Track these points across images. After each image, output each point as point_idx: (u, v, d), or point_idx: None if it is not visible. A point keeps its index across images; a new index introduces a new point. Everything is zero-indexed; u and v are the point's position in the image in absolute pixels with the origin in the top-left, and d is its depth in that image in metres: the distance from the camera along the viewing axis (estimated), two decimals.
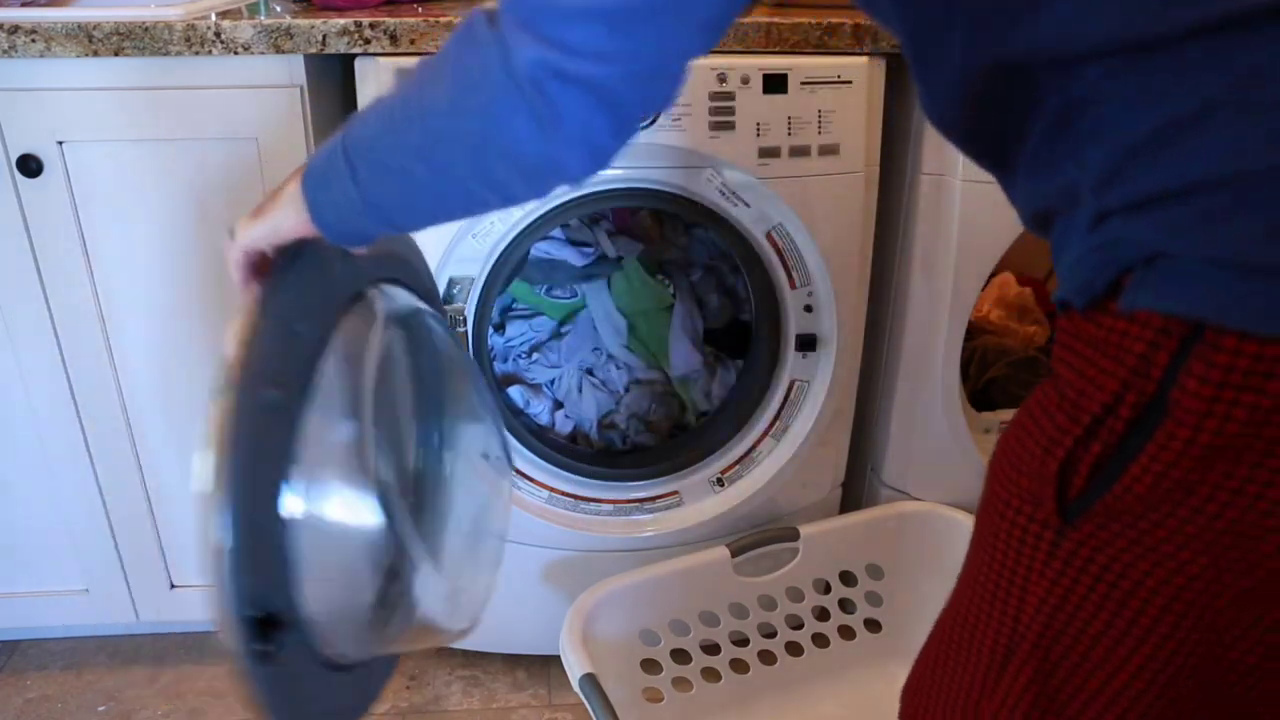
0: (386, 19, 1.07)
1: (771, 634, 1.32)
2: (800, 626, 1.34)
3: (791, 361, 1.26)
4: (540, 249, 1.34)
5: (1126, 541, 0.53)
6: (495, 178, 0.57)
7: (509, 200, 0.60)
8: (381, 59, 1.08)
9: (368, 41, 1.07)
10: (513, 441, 1.27)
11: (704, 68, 1.09)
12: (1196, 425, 0.48)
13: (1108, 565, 0.54)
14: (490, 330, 1.26)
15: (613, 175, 1.12)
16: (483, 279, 1.15)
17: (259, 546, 0.61)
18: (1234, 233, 0.46)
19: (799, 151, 1.14)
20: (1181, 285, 0.48)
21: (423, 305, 0.83)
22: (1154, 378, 0.49)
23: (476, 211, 0.62)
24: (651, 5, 0.51)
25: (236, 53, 1.06)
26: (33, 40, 1.03)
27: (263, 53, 1.06)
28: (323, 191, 0.63)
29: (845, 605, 1.36)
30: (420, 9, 1.18)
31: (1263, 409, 0.47)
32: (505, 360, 1.38)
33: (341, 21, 1.06)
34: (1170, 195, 0.48)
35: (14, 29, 1.03)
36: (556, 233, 1.35)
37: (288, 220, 0.66)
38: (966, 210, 1.18)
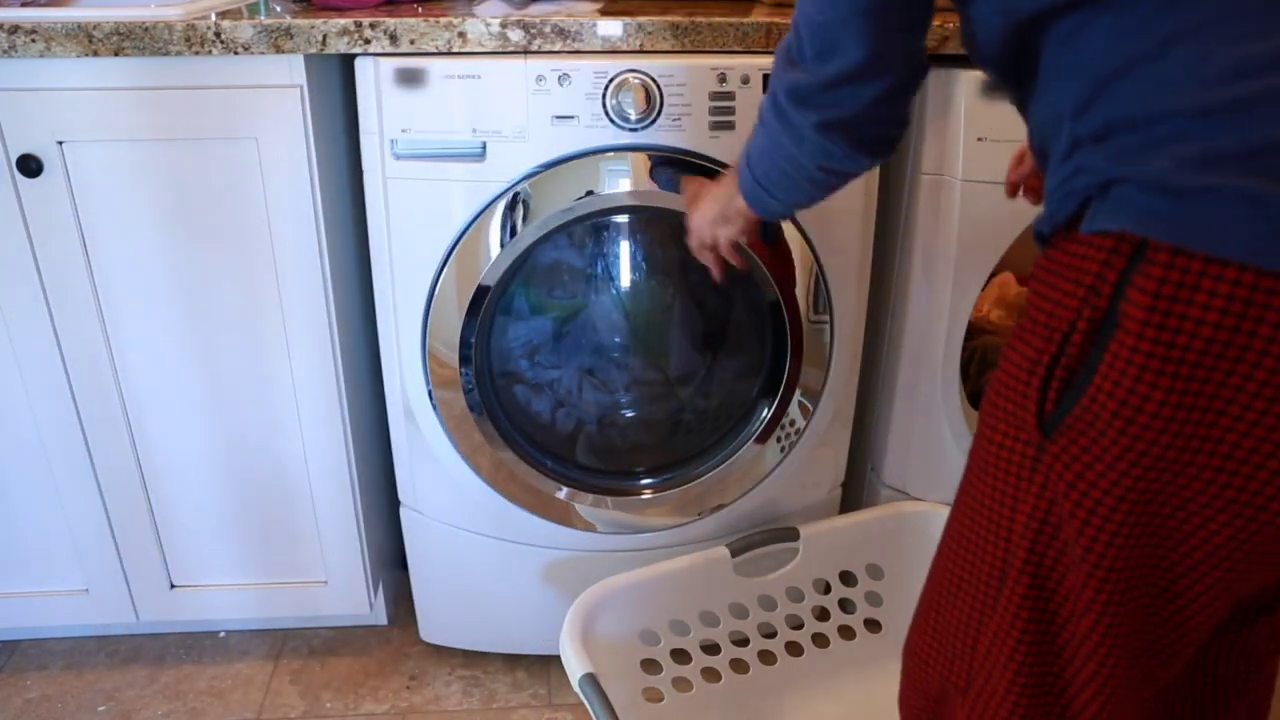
0: (386, 19, 1.07)
1: (771, 634, 1.32)
2: (800, 626, 1.34)
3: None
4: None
5: (1091, 457, 0.57)
6: None
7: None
8: (381, 59, 1.08)
9: (368, 41, 1.07)
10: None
11: (704, 68, 1.09)
12: (1139, 334, 0.53)
13: (1076, 479, 0.58)
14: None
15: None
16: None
17: None
18: (1171, 159, 0.51)
19: None
20: (1127, 207, 0.53)
21: None
22: (1105, 294, 0.54)
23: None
24: None
25: (236, 53, 1.06)
26: (33, 40, 1.03)
27: (263, 53, 1.06)
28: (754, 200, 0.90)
29: (845, 605, 1.36)
30: (420, 9, 1.18)
31: (1192, 321, 0.51)
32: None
33: (341, 21, 1.06)
34: (1124, 125, 0.53)
35: (14, 29, 1.03)
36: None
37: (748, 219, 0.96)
38: (966, 210, 1.18)
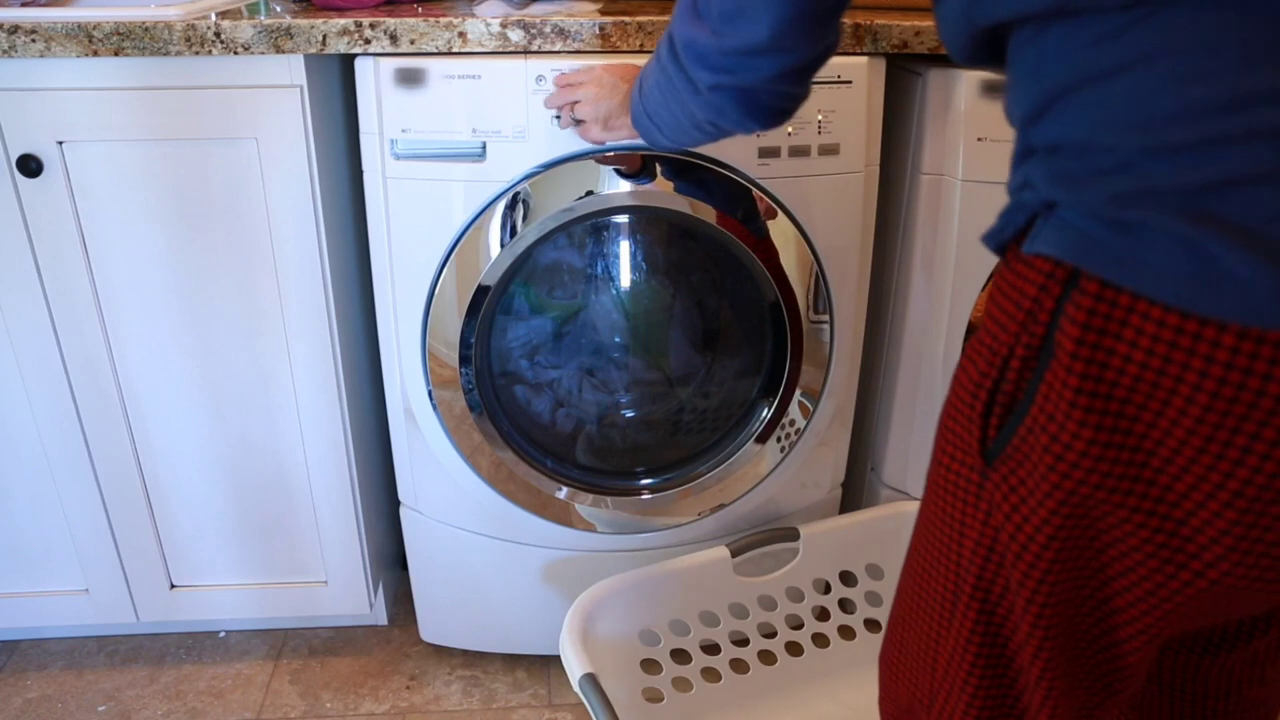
0: (386, 19, 1.07)
1: (771, 634, 1.32)
2: (800, 626, 1.34)
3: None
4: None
5: (1026, 490, 0.55)
6: None
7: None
8: (381, 59, 1.08)
9: (368, 41, 1.07)
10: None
11: None
12: (1069, 366, 0.51)
13: (1012, 510, 0.57)
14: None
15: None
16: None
17: None
18: (1108, 190, 0.49)
19: (799, 151, 1.14)
20: (1064, 232, 0.51)
21: None
22: (1041, 320, 0.53)
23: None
24: None
25: (236, 53, 1.06)
26: (33, 40, 1.03)
27: (263, 53, 1.06)
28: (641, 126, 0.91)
29: (845, 605, 1.36)
30: (420, 9, 1.18)
31: (1119, 356, 0.49)
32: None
33: (341, 21, 1.06)
34: (1068, 146, 0.52)
35: (14, 29, 1.03)
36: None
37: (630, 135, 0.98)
38: (966, 210, 1.18)
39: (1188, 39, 0.46)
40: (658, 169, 1.13)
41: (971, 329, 1.27)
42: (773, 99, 0.74)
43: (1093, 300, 0.50)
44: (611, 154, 1.11)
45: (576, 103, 1.04)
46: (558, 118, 1.08)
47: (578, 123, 1.05)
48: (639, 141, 0.96)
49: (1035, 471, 0.54)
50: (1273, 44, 0.44)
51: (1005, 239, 0.57)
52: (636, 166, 1.12)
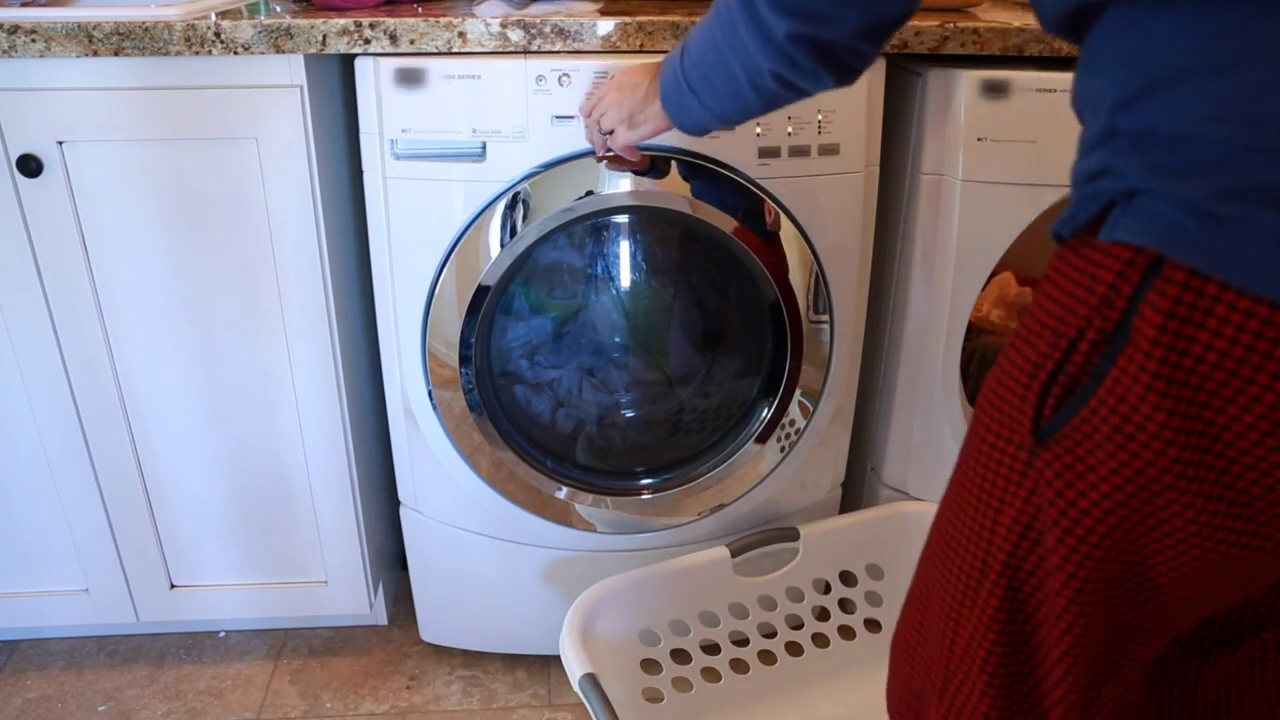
0: (386, 19, 1.07)
1: (771, 634, 1.32)
2: (800, 626, 1.34)
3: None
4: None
5: (1084, 467, 0.56)
6: None
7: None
8: (381, 59, 1.08)
9: (368, 41, 1.07)
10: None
11: None
12: (1148, 352, 0.52)
13: (1065, 488, 0.57)
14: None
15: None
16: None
17: None
18: (1206, 185, 0.50)
19: (799, 151, 1.14)
20: (1150, 220, 0.52)
21: None
22: (1119, 306, 0.54)
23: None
24: None
25: (236, 53, 1.06)
26: (33, 40, 1.03)
27: (263, 53, 1.06)
28: (676, 104, 0.87)
29: (845, 605, 1.36)
30: (420, 9, 1.18)
31: (1200, 345, 0.50)
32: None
33: (341, 21, 1.06)
34: (1165, 137, 0.52)
35: (14, 29, 1.03)
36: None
37: (659, 125, 0.93)
38: (966, 210, 1.18)
39: None
40: (673, 165, 1.13)
41: (972, 329, 1.27)
42: (849, 56, 0.72)
43: (1179, 289, 0.51)
44: (613, 155, 1.11)
45: (603, 117, 1.00)
46: (598, 159, 1.08)
47: (608, 134, 1.00)
48: (664, 141, 0.96)
49: (1098, 451, 0.55)
50: None
51: (1079, 225, 0.57)
52: (646, 164, 1.11)
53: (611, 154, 1.05)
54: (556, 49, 1.09)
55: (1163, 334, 0.51)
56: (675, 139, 1.11)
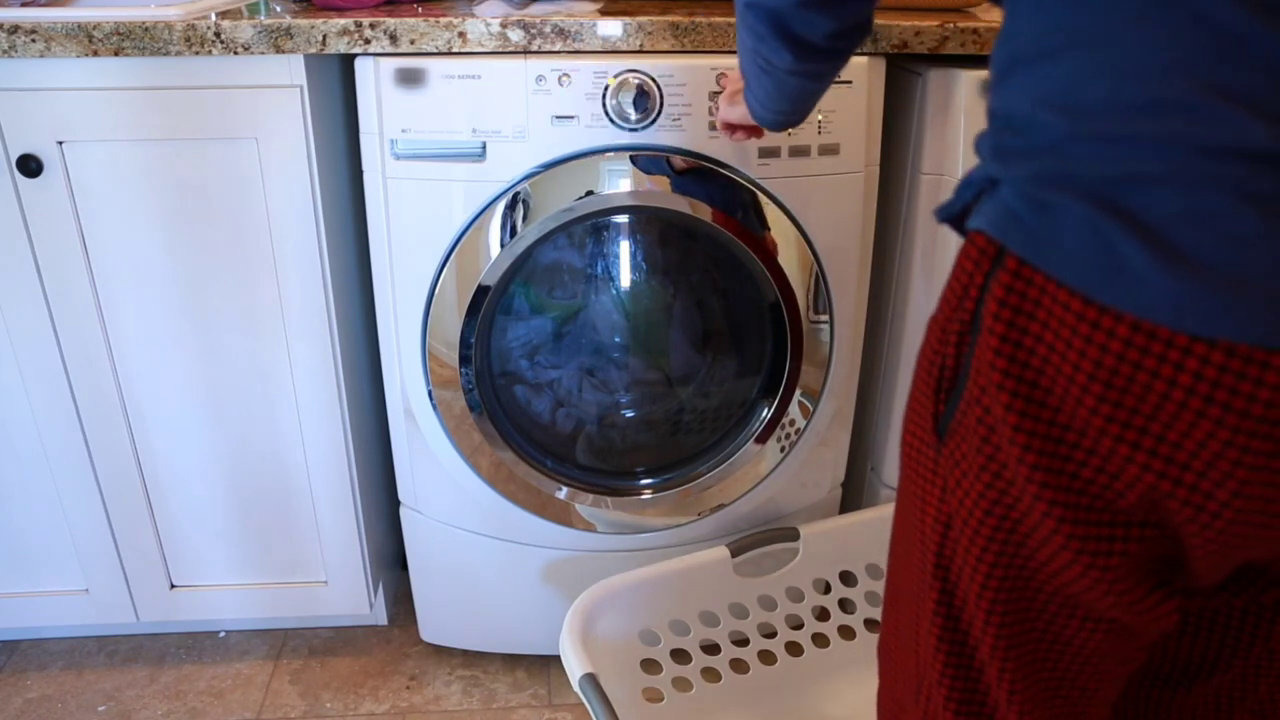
0: (386, 19, 1.07)
1: (771, 634, 1.32)
2: (800, 626, 1.34)
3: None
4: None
5: (967, 465, 0.56)
6: None
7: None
8: (381, 59, 1.08)
9: (368, 41, 1.07)
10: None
11: (704, 68, 1.09)
12: (986, 341, 0.52)
13: (958, 482, 0.57)
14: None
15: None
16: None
17: None
18: (1037, 169, 0.50)
19: (799, 151, 1.14)
20: (996, 209, 0.52)
21: None
22: (972, 295, 0.54)
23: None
24: None
25: (236, 53, 1.06)
26: (33, 40, 1.03)
27: (263, 53, 1.06)
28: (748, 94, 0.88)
29: (845, 605, 1.36)
30: (420, 9, 1.18)
31: (1032, 336, 0.50)
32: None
33: (341, 21, 1.06)
34: (1016, 118, 0.52)
35: (14, 29, 1.03)
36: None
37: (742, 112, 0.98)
38: None
39: (1136, 35, 0.46)
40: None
41: None
42: (803, 28, 0.71)
43: (1011, 277, 0.51)
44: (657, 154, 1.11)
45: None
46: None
47: (731, 128, 1.05)
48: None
49: (971, 445, 0.55)
50: (1211, 56, 0.45)
51: (952, 213, 0.58)
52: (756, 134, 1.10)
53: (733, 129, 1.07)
54: (556, 49, 1.09)
55: (997, 322, 0.51)
56: (676, 138, 1.11)
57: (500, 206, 1.12)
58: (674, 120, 1.10)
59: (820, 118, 1.13)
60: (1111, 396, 0.48)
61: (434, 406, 1.23)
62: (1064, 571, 0.54)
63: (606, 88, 1.09)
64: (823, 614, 1.36)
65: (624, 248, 1.36)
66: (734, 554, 1.26)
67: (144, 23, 1.04)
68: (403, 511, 1.34)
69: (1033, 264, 0.49)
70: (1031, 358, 0.50)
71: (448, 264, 1.15)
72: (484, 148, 1.11)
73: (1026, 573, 0.56)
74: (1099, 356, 0.48)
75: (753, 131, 1.04)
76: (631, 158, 1.11)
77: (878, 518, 1.33)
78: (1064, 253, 0.48)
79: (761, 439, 1.30)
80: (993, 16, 1.21)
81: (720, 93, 1.10)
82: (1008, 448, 0.52)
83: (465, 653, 1.47)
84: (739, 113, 0.99)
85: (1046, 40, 0.50)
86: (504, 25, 1.08)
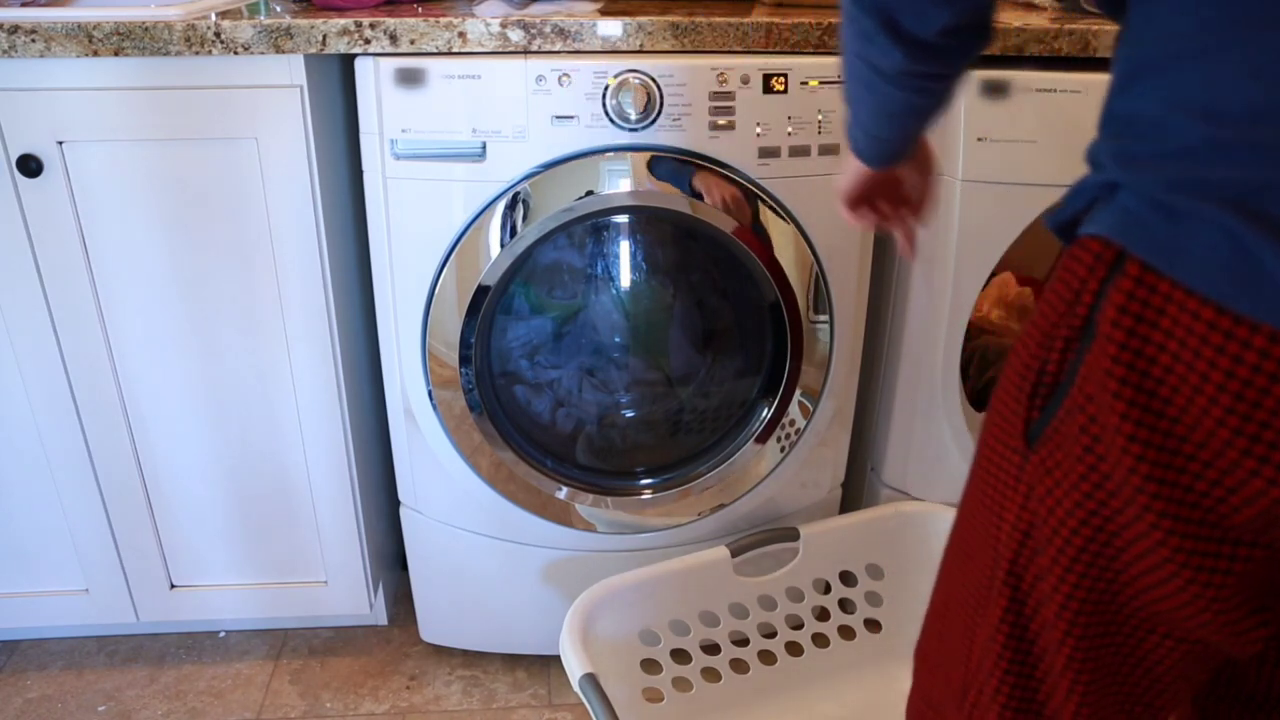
0: (386, 19, 1.07)
1: (771, 634, 1.32)
2: (800, 626, 1.34)
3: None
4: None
5: (1061, 473, 0.55)
6: None
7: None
8: (381, 59, 1.08)
9: (368, 41, 1.07)
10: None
11: (704, 68, 1.09)
12: (1106, 352, 0.50)
13: (1046, 494, 0.56)
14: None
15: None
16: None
17: None
18: (1167, 175, 0.49)
19: (799, 151, 1.14)
20: (1116, 213, 0.51)
21: None
22: (1085, 301, 0.52)
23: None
24: None
25: (236, 53, 1.06)
26: (33, 40, 1.03)
27: (263, 53, 1.06)
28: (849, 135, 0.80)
29: (845, 605, 1.36)
30: (420, 9, 1.18)
31: (1154, 345, 0.49)
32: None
33: (341, 21, 1.06)
34: (1139, 124, 0.50)
35: (14, 29, 1.03)
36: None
37: (849, 164, 0.84)
38: (966, 210, 1.18)
39: (1272, 38, 0.45)
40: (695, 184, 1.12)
41: (972, 329, 1.27)
42: (914, 22, 0.63)
43: (1133, 283, 0.49)
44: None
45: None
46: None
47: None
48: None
49: (1070, 455, 0.54)
50: None
51: (1063, 220, 0.56)
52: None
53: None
54: (556, 49, 1.09)
55: (1116, 330, 0.50)
56: (676, 138, 1.11)
57: (500, 206, 1.12)
58: (674, 120, 1.10)
59: (820, 117, 1.13)
60: (1241, 409, 0.47)
61: (434, 406, 1.23)
62: (1160, 587, 0.53)
63: (606, 88, 1.09)
64: (823, 614, 1.36)
65: (624, 248, 1.36)
66: (734, 554, 1.26)
67: (144, 23, 1.04)
68: (403, 511, 1.34)
69: (1158, 271, 0.48)
70: (1152, 367, 0.49)
71: (448, 264, 1.15)
72: (484, 148, 1.11)
73: (1115, 587, 0.55)
74: (1231, 367, 0.46)
75: (872, 209, 0.89)
76: (649, 162, 1.11)
77: (878, 518, 1.33)
78: (1196, 260, 0.47)
79: (761, 439, 1.30)
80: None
81: (720, 92, 1.10)
82: (1117, 458, 0.51)
83: (465, 653, 1.47)
84: (849, 172, 0.84)
85: (1183, 43, 0.49)
86: (504, 25, 1.08)
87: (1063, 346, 0.54)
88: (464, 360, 1.20)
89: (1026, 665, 0.61)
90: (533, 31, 1.08)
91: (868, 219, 0.89)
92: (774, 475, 1.32)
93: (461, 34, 1.08)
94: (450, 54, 1.09)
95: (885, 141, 0.76)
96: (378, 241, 1.17)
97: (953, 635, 0.67)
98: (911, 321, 1.28)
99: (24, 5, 1.18)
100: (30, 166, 1.10)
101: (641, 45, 1.10)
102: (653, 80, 1.09)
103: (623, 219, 1.28)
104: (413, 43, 1.07)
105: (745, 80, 1.10)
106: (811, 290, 1.22)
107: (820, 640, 1.35)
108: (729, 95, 1.10)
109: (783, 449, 1.31)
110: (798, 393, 1.28)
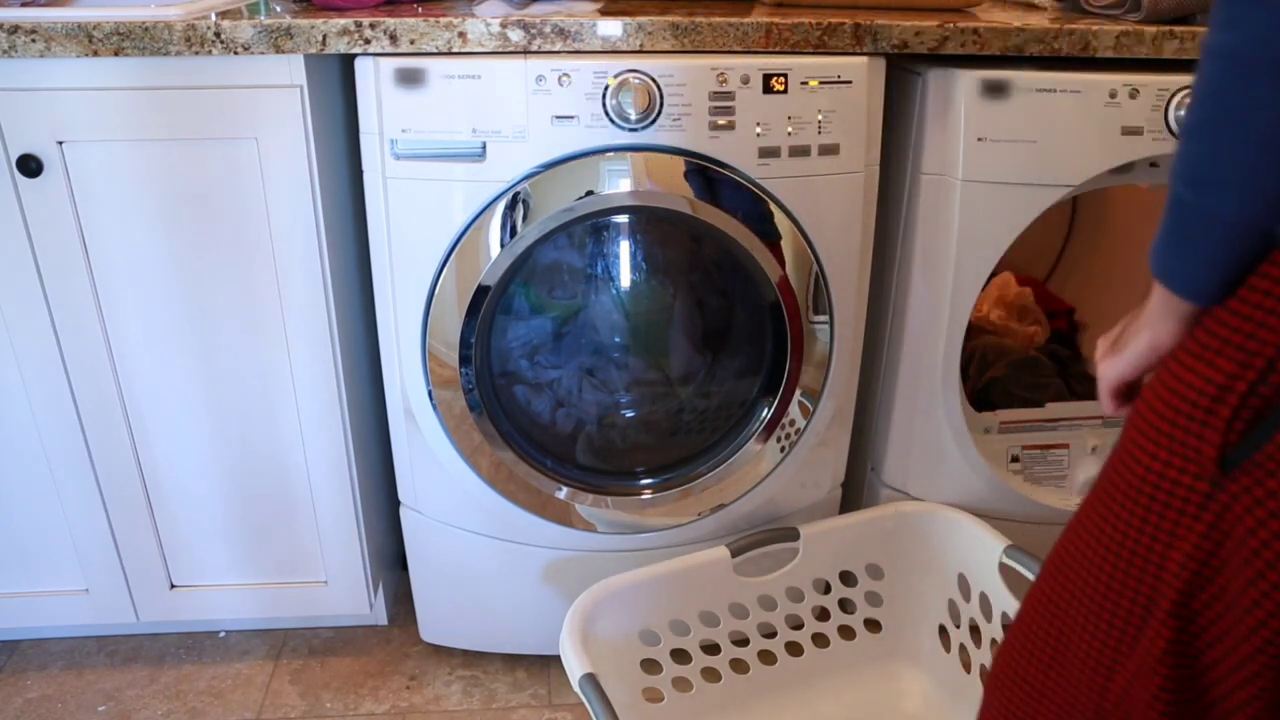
0: (386, 19, 1.07)
1: (771, 634, 1.32)
2: (800, 626, 1.34)
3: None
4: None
5: (1277, 504, 0.50)
6: None
7: None
8: (381, 59, 1.08)
9: (368, 41, 1.07)
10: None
11: (704, 68, 1.09)
12: None
13: (1258, 525, 0.51)
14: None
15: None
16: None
17: None
18: None
19: (799, 151, 1.14)
20: None
21: None
22: None
23: None
24: None
25: (236, 53, 1.06)
26: (33, 40, 1.03)
27: (263, 53, 1.06)
28: (1173, 253, 0.57)
29: (845, 605, 1.36)
30: (420, 9, 1.18)
31: None
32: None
33: (341, 21, 1.06)
34: None
35: (14, 29, 1.03)
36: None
37: (1157, 328, 0.60)
38: (966, 210, 1.18)
39: None
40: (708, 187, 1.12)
41: (972, 329, 1.27)
42: None
43: None
44: None
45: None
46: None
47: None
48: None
49: None
50: None
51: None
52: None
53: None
54: (556, 49, 1.09)
55: None
56: (676, 138, 1.11)
57: (500, 206, 1.12)
58: (674, 120, 1.10)
59: (820, 117, 1.13)
60: None
61: (434, 406, 1.23)
62: None
63: (606, 88, 1.09)
64: (823, 614, 1.36)
65: (624, 248, 1.36)
66: (734, 554, 1.26)
67: (144, 23, 1.04)
68: (403, 511, 1.34)
69: None
70: None
71: (448, 264, 1.15)
72: (484, 148, 1.11)
73: None
74: None
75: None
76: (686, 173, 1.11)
77: (878, 518, 1.33)
78: None
79: (761, 439, 1.30)
80: (992, 17, 1.21)
81: (720, 93, 1.10)
82: None
83: (465, 653, 1.47)
84: (1132, 351, 0.63)
85: None
86: (504, 25, 1.08)
87: (1266, 365, 0.50)
88: (464, 360, 1.20)
89: (1190, 692, 0.57)
90: (533, 31, 1.08)
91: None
92: (774, 475, 1.32)
93: (461, 34, 1.08)
94: (450, 54, 1.09)
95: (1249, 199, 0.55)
96: (378, 241, 1.17)
97: (1074, 669, 0.63)
98: (911, 321, 1.28)
99: (24, 5, 1.18)
100: (30, 166, 1.10)
101: (641, 45, 1.10)
102: (653, 80, 1.09)
103: (623, 219, 1.28)
104: (413, 43, 1.07)
105: (745, 80, 1.10)
106: (811, 290, 1.22)
107: (820, 640, 1.35)
108: (729, 95, 1.10)
109: (783, 449, 1.31)
110: (798, 393, 1.28)
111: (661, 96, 1.09)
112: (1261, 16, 0.48)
